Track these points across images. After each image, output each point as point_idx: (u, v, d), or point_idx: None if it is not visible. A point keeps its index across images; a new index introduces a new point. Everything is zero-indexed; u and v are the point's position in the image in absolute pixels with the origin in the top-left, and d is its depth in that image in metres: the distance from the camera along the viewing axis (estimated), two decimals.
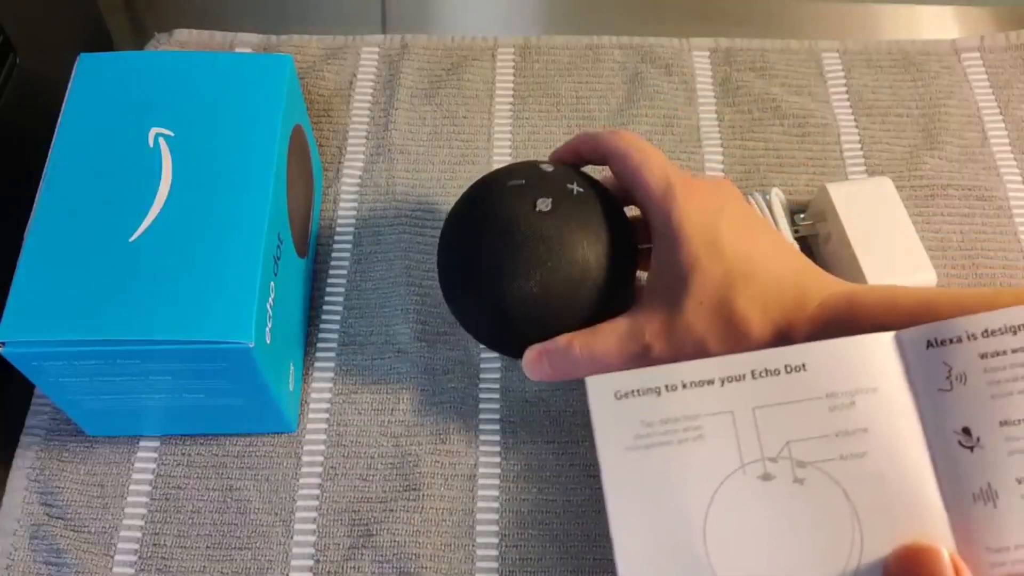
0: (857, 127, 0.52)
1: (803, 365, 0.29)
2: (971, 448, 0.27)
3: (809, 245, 0.48)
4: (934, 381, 0.28)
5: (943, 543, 0.27)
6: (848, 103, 0.53)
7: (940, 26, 0.58)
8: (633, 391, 0.30)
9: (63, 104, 0.40)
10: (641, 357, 0.36)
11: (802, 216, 0.48)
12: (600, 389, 0.30)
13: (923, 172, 0.50)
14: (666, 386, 0.29)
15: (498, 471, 0.42)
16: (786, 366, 0.29)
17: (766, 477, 0.28)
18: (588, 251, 0.38)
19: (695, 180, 0.37)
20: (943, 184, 0.50)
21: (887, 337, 0.29)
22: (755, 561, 0.28)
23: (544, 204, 0.38)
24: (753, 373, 0.29)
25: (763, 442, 0.29)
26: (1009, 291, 0.31)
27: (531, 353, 0.38)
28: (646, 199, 0.37)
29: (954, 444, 0.28)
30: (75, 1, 0.55)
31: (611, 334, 0.37)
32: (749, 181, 0.51)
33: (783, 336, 0.34)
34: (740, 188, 0.50)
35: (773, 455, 0.29)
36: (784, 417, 0.29)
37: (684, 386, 0.29)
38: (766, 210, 0.47)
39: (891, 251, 0.44)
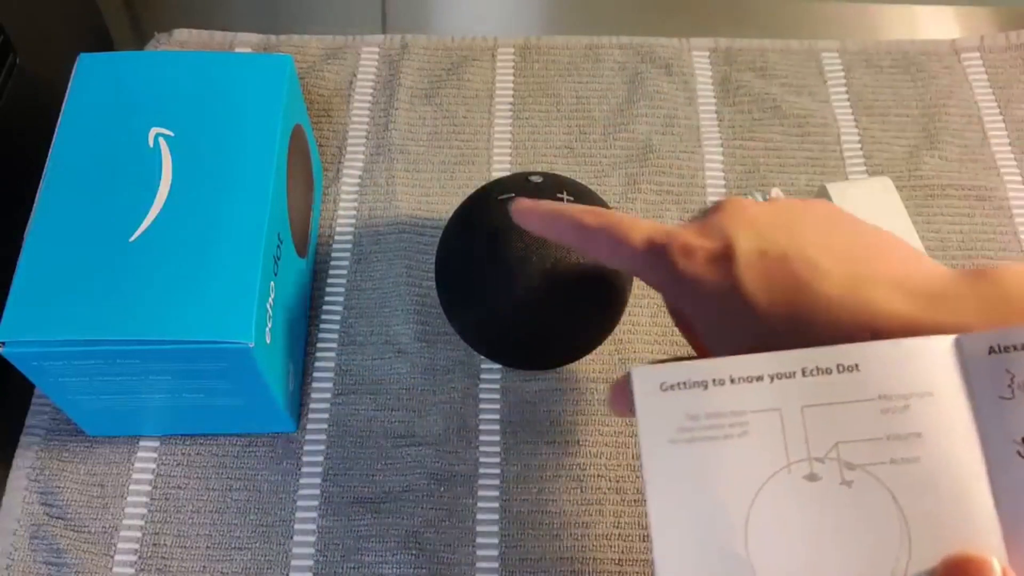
0: (857, 127, 0.52)
1: (856, 365, 0.28)
2: None
3: None
4: (995, 388, 0.27)
5: (995, 555, 0.26)
6: (848, 103, 0.53)
7: (940, 26, 0.58)
8: (679, 383, 0.29)
9: (63, 104, 0.40)
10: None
11: None
12: (645, 380, 0.29)
13: (923, 172, 0.50)
14: (713, 380, 0.29)
15: (498, 471, 0.42)
16: (838, 365, 0.28)
17: (812, 478, 0.28)
18: (580, 260, 0.38)
19: (703, 226, 0.31)
20: (943, 184, 0.50)
21: (946, 341, 0.28)
22: (797, 563, 0.27)
23: None
24: (804, 371, 0.28)
25: (811, 442, 0.28)
26: None
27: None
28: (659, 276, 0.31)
29: (1012, 454, 0.27)
30: (75, 1, 0.55)
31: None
32: (749, 181, 0.51)
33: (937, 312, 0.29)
34: (740, 188, 0.50)
35: (820, 455, 0.28)
36: (834, 417, 0.28)
37: (732, 381, 0.28)
38: None
39: None
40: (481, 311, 0.39)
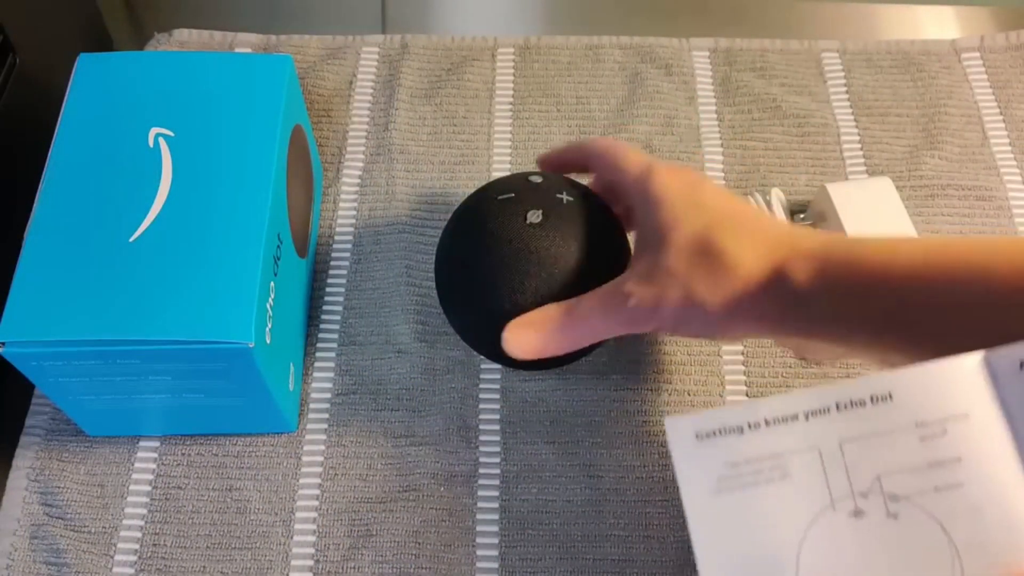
0: (857, 127, 0.52)
1: (889, 394, 0.28)
2: None
3: None
4: None
5: None
6: (848, 103, 0.53)
7: (940, 26, 0.58)
8: (715, 431, 0.28)
9: (63, 104, 0.40)
10: (624, 309, 0.35)
11: (802, 216, 0.48)
12: (680, 431, 0.29)
13: (923, 172, 0.50)
14: (748, 424, 0.28)
15: (498, 471, 0.42)
16: (872, 396, 0.28)
17: (857, 514, 0.27)
18: (580, 259, 0.38)
19: (674, 166, 0.38)
20: (943, 184, 0.50)
21: (975, 359, 0.28)
22: None
23: (535, 216, 0.38)
24: (838, 405, 0.28)
25: (852, 477, 0.27)
26: (1006, 240, 0.30)
27: (511, 326, 0.37)
28: (625, 181, 0.38)
29: None
30: (75, 1, 0.55)
31: (593, 293, 0.37)
32: (749, 181, 0.51)
33: (778, 275, 0.33)
34: (740, 188, 0.50)
35: (864, 490, 0.27)
36: (873, 450, 0.28)
37: (767, 423, 0.28)
38: (766, 210, 0.47)
39: None
40: (480, 312, 0.39)
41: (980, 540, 0.27)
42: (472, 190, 0.42)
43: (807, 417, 0.28)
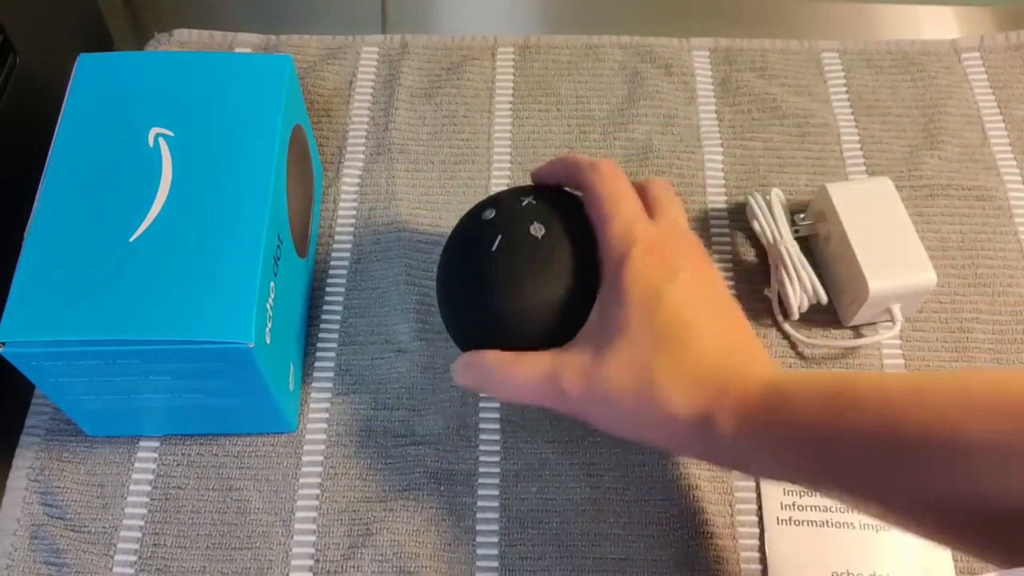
0: (857, 127, 0.52)
1: None
2: None
3: (809, 245, 0.48)
4: None
5: None
6: (848, 103, 0.53)
7: (940, 26, 0.58)
8: None
9: (63, 104, 0.40)
10: (555, 397, 0.36)
11: (802, 216, 0.48)
12: None
13: (923, 172, 0.50)
14: None
15: (498, 470, 0.42)
16: None
17: None
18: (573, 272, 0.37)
19: (660, 239, 0.36)
20: (943, 184, 0.50)
21: None
22: None
23: (537, 230, 0.37)
24: None
25: None
26: (962, 375, 0.31)
27: (460, 360, 0.38)
28: (605, 250, 0.37)
29: None
30: (75, 1, 0.55)
31: (531, 367, 0.36)
32: (749, 181, 0.51)
33: (702, 419, 0.33)
34: (740, 188, 0.51)
35: None
36: None
37: None
38: (765, 210, 0.47)
39: (891, 251, 0.44)
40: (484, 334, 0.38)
41: None
42: (472, 190, 0.42)
43: None
